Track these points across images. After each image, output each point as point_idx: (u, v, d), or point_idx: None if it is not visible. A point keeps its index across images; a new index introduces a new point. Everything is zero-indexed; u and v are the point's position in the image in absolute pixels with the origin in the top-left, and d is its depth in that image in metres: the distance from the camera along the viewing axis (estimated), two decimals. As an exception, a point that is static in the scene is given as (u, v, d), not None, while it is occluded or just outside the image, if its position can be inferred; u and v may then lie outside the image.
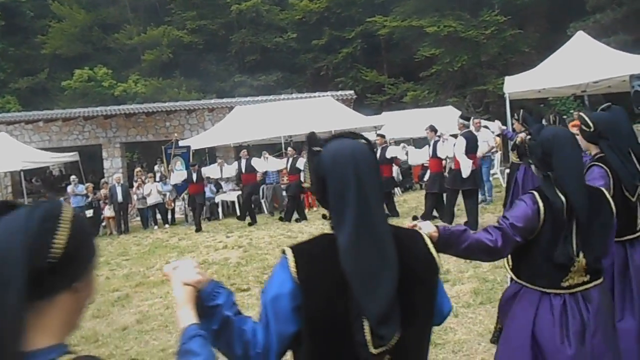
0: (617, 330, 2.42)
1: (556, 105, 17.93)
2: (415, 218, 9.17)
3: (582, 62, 10.67)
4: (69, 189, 14.08)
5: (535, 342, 2.24)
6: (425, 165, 13.33)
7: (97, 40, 29.05)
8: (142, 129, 18.57)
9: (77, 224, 0.93)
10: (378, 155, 10.72)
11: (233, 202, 14.07)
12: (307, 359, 1.37)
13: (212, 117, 18.06)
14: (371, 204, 1.36)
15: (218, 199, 14.36)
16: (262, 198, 14.01)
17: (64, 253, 0.88)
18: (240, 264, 7.86)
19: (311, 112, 14.40)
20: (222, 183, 14.85)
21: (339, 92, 19.42)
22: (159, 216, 14.07)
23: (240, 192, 13.14)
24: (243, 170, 12.28)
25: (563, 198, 2.22)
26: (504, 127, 9.01)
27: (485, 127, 11.71)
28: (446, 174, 9.43)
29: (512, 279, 2.49)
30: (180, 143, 15.16)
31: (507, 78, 12.44)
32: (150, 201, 13.77)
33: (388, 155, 10.75)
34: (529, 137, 5.66)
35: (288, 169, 12.03)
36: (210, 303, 1.35)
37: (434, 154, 9.56)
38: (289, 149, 12.72)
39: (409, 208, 11.46)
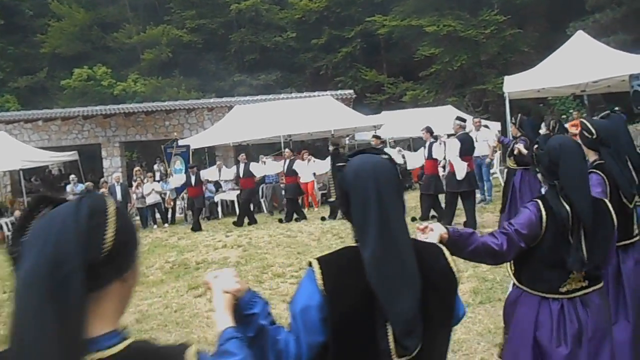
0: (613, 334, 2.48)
1: (555, 104, 17.93)
2: (413, 219, 9.17)
3: (581, 62, 10.67)
4: (69, 188, 14.06)
5: (536, 344, 2.32)
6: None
7: (97, 39, 29.03)
8: (142, 128, 18.56)
9: (122, 217, 0.98)
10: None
11: (232, 202, 14.07)
12: None
13: (212, 116, 18.05)
14: (392, 219, 1.42)
15: (217, 198, 14.36)
16: (262, 197, 14.01)
17: (114, 246, 0.93)
18: (239, 263, 7.86)
19: (310, 112, 14.40)
20: (222, 182, 14.84)
21: (339, 92, 19.41)
22: (158, 215, 14.06)
23: (239, 192, 13.14)
24: (241, 175, 12.25)
25: (568, 207, 2.27)
26: (500, 136, 9.03)
27: (486, 126, 11.71)
28: (442, 175, 9.42)
29: (514, 284, 2.56)
30: (180, 142, 15.14)
31: (506, 78, 12.44)
32: (150, 200, 13.76)
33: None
34: (535, 146, 5.68)
35: (285, 171, 12.00)
36: (247, 311, 1.42)
37: (430, 156, 9.55)
38: (286, 150, 12.71)
39: (408, 208, 11.42)
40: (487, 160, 11.16)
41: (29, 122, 18.06)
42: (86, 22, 28.33)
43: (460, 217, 8.80)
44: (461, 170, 8.41)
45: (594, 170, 3.01)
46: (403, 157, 13.20)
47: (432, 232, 2.02)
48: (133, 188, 14.10)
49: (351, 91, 19.57)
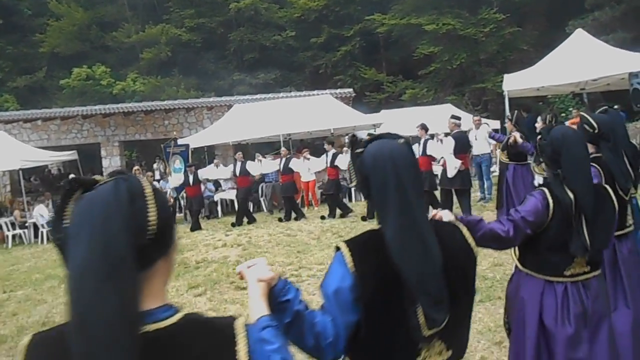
0: (611, 317, 2.59)
1: (555, 103, 17.93)
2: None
3: (581, 60, 10.68)
4: (68, 187, 14.04)
5: (541, 325, 2.44)
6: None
7: (96, 38, 29.00)
8: (141, 127, 18.54)
9: (159, 196, 1.02)
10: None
11: (232, 201, 14.05)
12: (365, 343, 1.50)
13: (211, 115, 18.04)
14: (411, 200, 1.48)
15: (217, 197, 14.35)
16: (262, 196, 14.00)
17: (158, 227, 0.98)
18: (239, 262, 7.80)
19: (310, 110, 14.39)
20: (221, 181, 14.83)
21: (338, 90, 19.40)
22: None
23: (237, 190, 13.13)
24: (237, 173, 12.24)
25: (571, 195, 2.37)
26: (491, 131, 9.06)
27: (486, 124, 11.72)
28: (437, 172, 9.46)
29: (516, 268, 2.65)
30: (179, 141, 15.12)
31: (506, 76, 12.44)
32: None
33: None
34: (539, 137, 5.74)
35: (281, 170, 11.99)
36: (282, 298, 1.45)
37: (424, 152, 9.59)
38: (282, 149, 12.69)
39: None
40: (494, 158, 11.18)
41: (28, 122, 18.04)
42: (85, 22, 28.30)
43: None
44: (452, 167, 8.44)
45: (591, 163, 3.07)
46: None
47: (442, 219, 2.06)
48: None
49: (350, 90, 19.56)
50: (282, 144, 13.61)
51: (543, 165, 2.98)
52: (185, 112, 18.34)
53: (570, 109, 15.65)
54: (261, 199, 14.04)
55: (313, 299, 4.91)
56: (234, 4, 26.89)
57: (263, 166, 12.82)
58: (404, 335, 1.47)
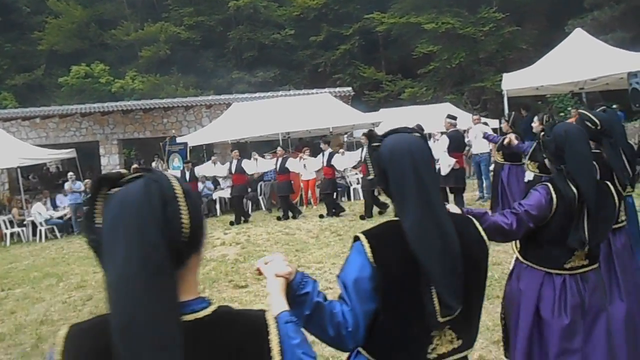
0: (609, 310, 2.67)
1: (554, 102, 17.92)
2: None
3: (580, 60, 10.68)
4: (67, 185, 14.02)
5: (537, 315, 2.50)
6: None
7: (94, 36, 28.95)
8: (140, 125, 18.51)
9: (190, 196, 1.04)
10: (363, 154, 10.84)
11: (231, 199, 14.04)
12: (382, 329, 1.54)
13: (210, 113, 18.01)
14: (429, 191, 1.53)
15: (215, 195, 14.34)
16: (260, 195, 13.99)
17: (191, 229, 1.02)
18: (238, 261, 7.86)
19: (309, 109, 14.38)
20: (220, 180, 14.82)
21: (337, 89, 19.38)
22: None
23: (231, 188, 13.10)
24: (233, 171, 12.22)
25: (575, 190, 2.44)
26: (486, 132, 9.07)
27: (485, 123, 11.72)
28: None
29: (516, 260, 2.70)
30: (178, 140, 15.11)
31: (505, 75, 12.45)
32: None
33: None
34: (542, 132, 5.77)
35: (277, 169, 11.97)
36: (300, 292, 1.49)
37: None
38: (278, 149, 12.66)
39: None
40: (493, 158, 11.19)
41: (26, 120, 18.01)
42: (84, 19, 28.24)
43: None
44: (446, 165, 8.48)
45: None
46: None
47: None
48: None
49: (349, 88, 19.54)
50: (281, 142, 13.60)
51: (546, 162, 3.02)
52: (184, 110, 18.31)
53: (569, 108, 15.63)
54: (260, 198, 14.03)
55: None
56: (233, 2, 26.86)
57: (259, 165, 12.81)
58: (418, 323, 1.52)
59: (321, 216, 11.14)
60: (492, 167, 12.35)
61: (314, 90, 18.75)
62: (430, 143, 9.34)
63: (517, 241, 2.66)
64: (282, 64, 27.54)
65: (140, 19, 29.04)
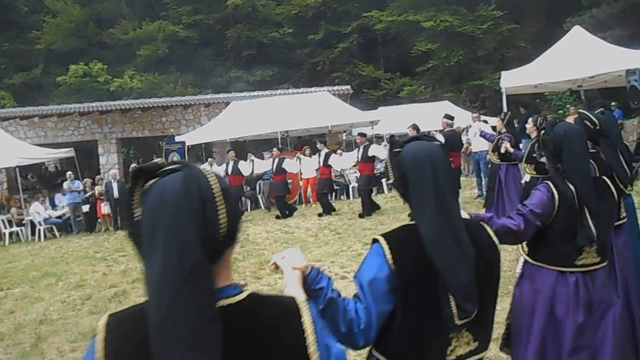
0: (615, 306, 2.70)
1: (552, 100, 17.96)
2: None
3: (578, 57, 10.67)
4: (65, 185, 14.01)
5: (552, 315, 2.52)
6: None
7: (92, 35, 28.90)
8: (138, 124, 18.50)
9: (227, 192, 1.04)
10: (360, 154, 10.84)
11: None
12: (399, 331, 1.57)
13: (208, 112, 18.00)
14: (447, 198, 1.58)
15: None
16: (259, 193, 13.99)
17: (228, 225, 1.02)
18: (237, 260, 7.85)
19: (307, 107, 14.38)
20: (219, 178, 14.81)
21: (336, 87, 19.38)
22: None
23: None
24: (229, 172, 12.21)
25: (572, 188, 2.50)
26: (483, 130, 9.09)
27: (485, 121, 11.73)
28: None
29: (525, 263, 2.72)
30: (176, 139, 15.09)
31: (503, 73, 12.42)
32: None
33: (370, 153, 10.82)
34: (542, 131, 5.83)
35: (274, 170, 11.97)
36: (315, 286, 1.53)
37: None
38: (274, 149, 12.65)
39: (401, 207, 11.46)
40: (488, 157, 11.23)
41: (24, 119, 17.98)
42: (82, 18, 28.18)
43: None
44: None
45: None
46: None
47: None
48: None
49: (348, 87, 19.54)
50: (279, 141, 13.60)
51: (544, 159, 3.06)
52: (182, 109, 18.29)
53: (568, 106, 15.68)
54: (259, 196, 14.03)
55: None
56: (231, 1, 26.82)
57: (255, 166, 12.81)
58: (436, 325, 1.56)
59: (320, 215, 11.14)
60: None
61: (313, 89, 18.75)
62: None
63: (525, 244, 2.68)
64: (281, 63, 27.52)
65: (138, 17, 28.99)
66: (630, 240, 3.38)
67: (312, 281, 1.54)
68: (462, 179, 10.73)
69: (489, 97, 22.73)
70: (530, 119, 6.79)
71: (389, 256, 1.56)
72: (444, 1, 24.09)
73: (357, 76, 26.14)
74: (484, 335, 1.68)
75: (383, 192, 13.74)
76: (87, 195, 13.87)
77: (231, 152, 12.72)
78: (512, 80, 11.66)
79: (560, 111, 15.61)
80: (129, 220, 1.03)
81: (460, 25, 23.01)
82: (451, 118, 9.43)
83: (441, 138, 8.74)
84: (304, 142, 15.54)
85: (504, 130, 7.61)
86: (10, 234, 13.20)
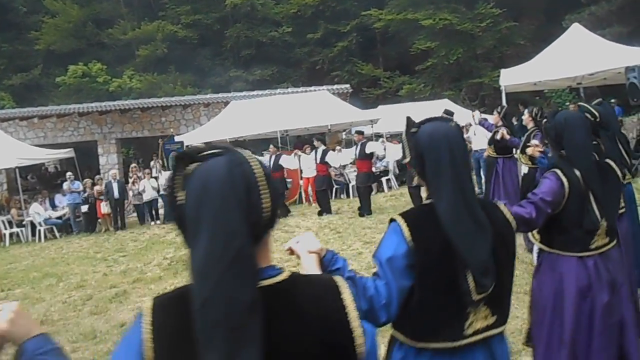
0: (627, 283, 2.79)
1: (552, 97, 17.98)
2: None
3: (577, 55, 10.65)
4: (65, 185, 14.01)
5: (580, 295, 2.56)
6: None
7: (91, 35, 28.87)
8: (138, 124, 18.50)
9: (269, 178, 1.06)
10: (357, 151, 10.85)
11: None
12: (418, 307, 1.60)
13: (208, 112, 18.00)
14: (463, 177, 1.63)
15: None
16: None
17: (271, 209, 1.04)
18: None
19: (307, 106, 14.37)
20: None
21: (335, 86, 19.37)
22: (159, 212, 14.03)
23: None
24: None
25: (578, 172, 2.56)
26: (482, 117, 9.04)
27: (485, 119, 11.71)
28: None
29: (540, 252, 2.77)
30: (176, 138, 15.10)
31: (502, 71, 12.40)
32: (146, 197, 13.73)
33: (367, 150, 10.82)
34: (544, 120, 5.87)
35: (271, 166, 11.98)
36: (332, 267, 1.57)
37: None
38: (271, 146, 12.66)
39: (405, 202, 11.46)
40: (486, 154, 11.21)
41: (24, 120, 17.98)
42: (80, 19, 28.15)
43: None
44: None
45: None
46: (385, 149, 13.35)
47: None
48: (129, 185, 14.06)
49: (347, 86, 19.53)
50: (279, 140, 13.59)
51: (549, 149, 3.11)
52: (182, 109, 18.29)
53: (567, 103, 15.68)
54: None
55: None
56: (230, 0, 26.79)
57: None
58: (454, 299, 1.59)
59: (320, 213, 11.14)
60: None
61: (312, 88, 18.75)
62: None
63: (536, 232, 2.73)
64: (280, 62, 27.50)
65: (137, 17, 28.97)
66: (630, 228, 3.44)
67: (329, 263, 1.57)
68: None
69: (489, 95, 22.72)
70: (525, 110, 6.82)
71: (407, 233, 1.59)
72: (443, -1, 24.11)
73: (356, 75, 26.14)
74: (502, 309, 1.70)
75: (383, 190, 13.75)
76: (86, 194, 13.87)
77: None
78: (512, 78, 11.64)
79: (560, 109, 15.61)
80: (172, 203, 1.04)
81: (460, 23, 23.00)
82: (451, 114, 9.38)
83: None
84: (304, 141, 15.51)
85: (500, 123, 7.63)
86: (11, 234, 13.21)
